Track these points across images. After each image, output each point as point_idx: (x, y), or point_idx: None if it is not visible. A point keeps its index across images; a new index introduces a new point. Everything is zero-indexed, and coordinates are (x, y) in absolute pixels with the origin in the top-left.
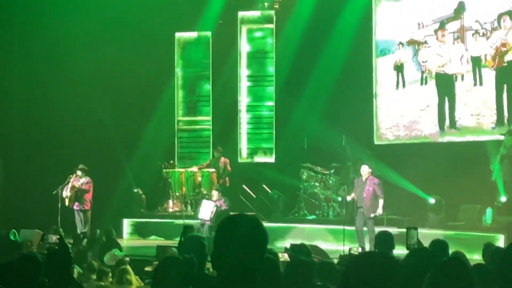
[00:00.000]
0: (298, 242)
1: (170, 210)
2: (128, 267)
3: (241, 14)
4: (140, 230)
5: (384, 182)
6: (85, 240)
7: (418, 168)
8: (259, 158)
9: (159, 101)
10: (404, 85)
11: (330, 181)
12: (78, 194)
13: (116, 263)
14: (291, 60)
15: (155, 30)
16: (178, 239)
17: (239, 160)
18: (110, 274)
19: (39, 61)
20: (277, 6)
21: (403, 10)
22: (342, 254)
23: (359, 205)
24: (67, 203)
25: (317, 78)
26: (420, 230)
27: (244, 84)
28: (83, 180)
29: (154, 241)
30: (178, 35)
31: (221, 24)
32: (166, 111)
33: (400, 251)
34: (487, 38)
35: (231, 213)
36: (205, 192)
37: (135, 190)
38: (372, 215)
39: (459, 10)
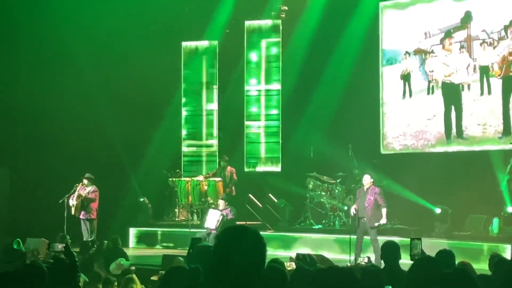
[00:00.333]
0: (304, 251)
1: (177, 219)
2: (134, 276)
3: (248, 23)
4: (146, 239)
5: (389, 192)
6: (93, 248)
7: (425, 178)
8: (266, 168)
9: (165, 110)
10: (410, 95)
11: (336, 191)
12: (84, 203)
13: (122, 272)
14: (297, 69)
15: (162, 39)
16: (183, 248)
17: (245, 169)
18: (116, 283)
19: (45, 71)
20: (283, 16)
21: (410, 19)
22: (348, 264)
23: (360, 215)
24: (73, 212)
25: (323, 87)
26: (426, 240)
27: (250, 93)
28: (89, 189)
29: (160, 250)
30: (184, 44)
31: (228, 33)
32: (172, 120)
33: (405, 260)
34: (494, 47)
35: (230, 225)
36: (211, 201)
37: (141, 199)
38: (375, 224)
39: (466, 19)
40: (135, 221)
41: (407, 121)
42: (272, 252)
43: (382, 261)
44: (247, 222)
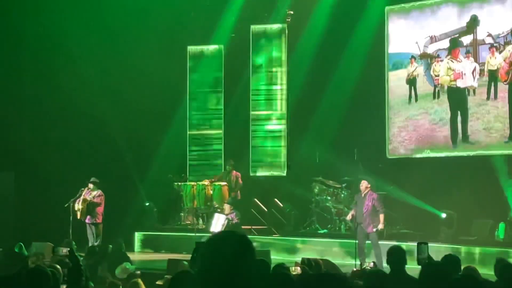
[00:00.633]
0: (309, 256)
1: (182, 223)
2: (140, 280)
3: (254, 27)
4: (151, 244)
5: (395, 196)
6: (98, 253)
7: (430, 182)
8: (271, 172)
9: (171, 114)
10: (416, 99)
11: (342, 195)
12: (90, 207)
13: (127, 277)
14: (303, 73)
15: (168, 44)
16: (189, 252)
17: (251, 174)
18: None
19: (50, 76)
20: (289, 20)
21: (416, 24)
22: (354, 268)
23: (358, 221)
24: (78, 216)
25: (329, 92)
26: (432, 245)
27: (256, 97)
28: (95, 193)
29: (166, 254)
30: (190, 48)
31: (234, 37)
32: (178, 124)
33: (410, 266)
34: (500, 52)
35: (216, 232)
36: (216, 205)
37: (147, 204)
38: (374, 229)
39: (472, 23)
40: (141, 225)
41: (413, 126)
42: (277, 257)
43: (388, 266)
44: (253, 227)
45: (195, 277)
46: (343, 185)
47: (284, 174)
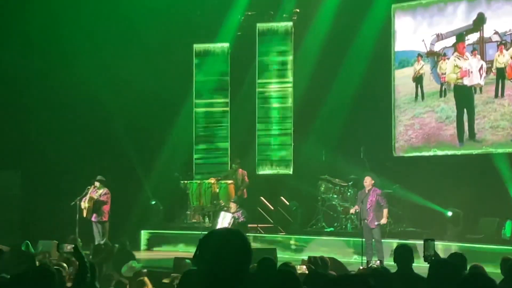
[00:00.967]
0: (316, 254)
1: (188, 221)
2: (146, 279)
3: (259, 25)
4: (157, 242)
5: (401, 195)
6: (104, 251)
7: (437, 180)
8: (277, 170)
9: (177, 113)
10: (423, 97)
11: (348, 193)
12: (96, 206)
13: (133, 275)
14: (310, 71)
15: (173, 42)
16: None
17: (257, 172)
18: (128, 286)
19: (56, 74)
20: (295, 18)
21: (422, 22)
22: (361, 267)
23: (363, 217)
24: (85, 214)
25: (335, 90)
26: (438, 243)
27: (262, 95)
28: (101, 191)
29: (172, 253)
30: (196, 46)
31: (240, 35)
32: (184, 122)
33: (416, 264)
34: (507, 49)
35: (213, 230)
36: (223, 203)
37: (153, 202)
38: (376, 223)
39: (479, 21)
40: (147, 223)
41: (419, 124)
42: (283, 255)
43: (395, 264)
44: (259, 225)
45: (199, 274)
46: (350, 183)
47: (290, 172)
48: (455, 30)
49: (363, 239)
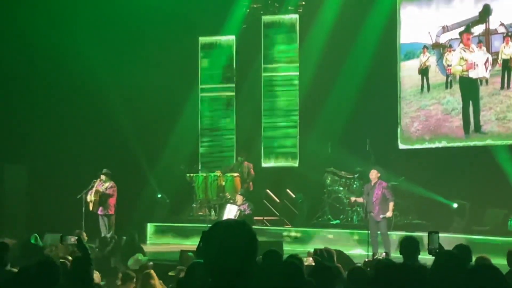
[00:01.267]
0: (322, 246)
1: (194, 214)
2: (152, 271)
3: (265, 18)
4: (164, 235)
5: (407, 187)
6: (111, 244)
7: (443, 172)
8: (283, 163)
9: (182, 106)
10: (429, 89)
11: (354, 186)
12: (102, 199)
13: (139, 268)
14: (315, 63)
15: (179, 35)
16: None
17: (263, 165)
18: (135, 279)
19: (62, 69)
20: (300, 10)
21: (428, 13)
22: (366, 259)
23: (369, 209)
24: (91, 207)
25: (341, 82)
26: (443, 235)
27: (268, 88)
28: (107, 184)
29: (178, 245)
30: (202, 39)
31: (245, 28)
32: (189, 115)
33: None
34: None
35: (217, 221)
36: (229, 196)
37: (159, 195)
38: (381, 216)
39: (484, 13)
40: (153, 216)
41: (425, 116)
42: (289, 248)
43: (401, 256)
44: (265, 218)
45: (204, 267)
46: (355, 175)
47: (296, 165)
48: (461, 21)
49: (369, 232)
